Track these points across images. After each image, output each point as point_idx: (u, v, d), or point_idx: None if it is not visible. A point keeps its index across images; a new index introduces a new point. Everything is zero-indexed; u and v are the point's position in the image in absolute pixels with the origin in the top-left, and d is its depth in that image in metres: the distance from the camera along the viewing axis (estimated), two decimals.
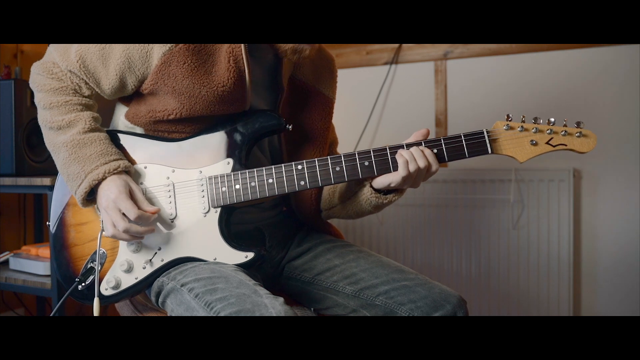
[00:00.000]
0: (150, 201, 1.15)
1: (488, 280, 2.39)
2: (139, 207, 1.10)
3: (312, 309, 1.28)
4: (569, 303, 2.24)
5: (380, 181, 1.15)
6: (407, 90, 2.62)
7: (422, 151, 1.11)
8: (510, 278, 2.35)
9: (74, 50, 1.15)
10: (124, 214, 1.09)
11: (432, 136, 1.14)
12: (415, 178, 1.11)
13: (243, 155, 1.16)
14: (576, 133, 1.08)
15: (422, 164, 1.10)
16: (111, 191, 1.09)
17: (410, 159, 1.10)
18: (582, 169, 2.29)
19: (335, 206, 1.30)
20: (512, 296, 2.35)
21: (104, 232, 1.12)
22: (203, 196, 1.15)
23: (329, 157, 1.13)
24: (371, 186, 1.18)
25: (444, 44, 2.52)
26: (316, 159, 1.13)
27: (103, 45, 1.14)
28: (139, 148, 1.19)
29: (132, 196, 1.11)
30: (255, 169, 1.14)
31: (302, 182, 1.13)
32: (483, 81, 2.47)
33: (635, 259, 2.21)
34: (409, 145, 1.12)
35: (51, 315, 1.23)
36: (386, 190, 1.18)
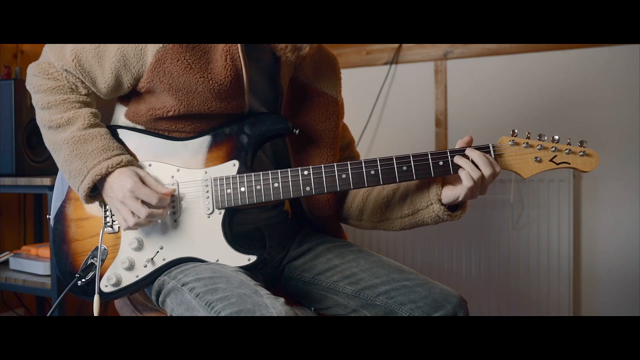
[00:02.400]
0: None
1: (488, 280, 2.39)
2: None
3: (313, 308, 1.28)
4: (569, 303, 2.24)
5: (448, 195, 1.14)
6: (407, 90, 2.62)
7: (487, 157, 1.09)
8: (510, 278, 2.35)
9: (70, 50, 1.15)
10: (142, 202, 1.09)
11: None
12: (481, 186, 1.10)
13: (249, 158, 1.16)
14: (580, 152, 1.09)
15: (487, 172, 1.08)
16: (125, 182, 1.10)
17: (472, 169, 1.08)
18: None
19: (387, 219, 1.27)
20: (512, 296, 2.35)
21: (122, 226, 1.12)
22: (207, 197, 1.15)
23: (335, 164, 1.13)
24: (441, 203, 1.16)
25: (444, 44, 2.52)
26: (322, 165, 1.13)
27: (98, 44, 1.14)
28: (144, 145, 1.19)
29: (143, 182, 1.12)
30: (261, 173, 1.14)
31: (308, 188, 1.13)
32: (483, 81, 2.47)
33: (635, 258, 2.21)
34: (415, 156, 1.11)
35: (51, 310, 1.23)
36: (453, 206, 1.17)
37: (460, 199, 1.13)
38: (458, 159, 1.10)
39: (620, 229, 2.24)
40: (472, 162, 1.09)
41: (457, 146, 1.13)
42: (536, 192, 2.31)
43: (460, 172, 1.10)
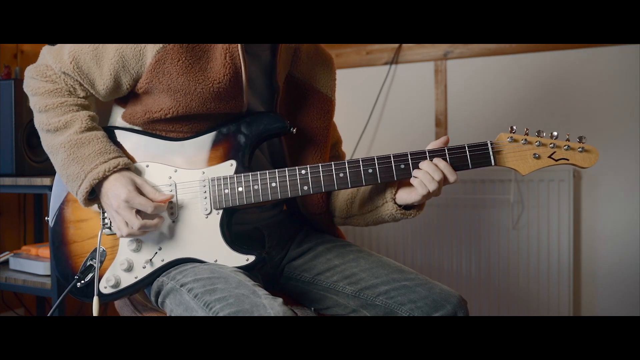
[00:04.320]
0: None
1: (488, 280, 2.39)
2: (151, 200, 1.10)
3: (312, 308, 1.28)
4: (569, 303, 2.24)
5: (403, 198, 1.16)
6: (407, 90, 2.62)
7: (436, 165, 1.10)
8: (510, 278, 2.35)
9: (67, 52, 1.14)
10: (137, 211, 1.08)
11: (431, 137, 1.14)
12: (435, 192, 1.12)
13: (246, 158, 1.16)
14: (578, 148, 1.08)
15: (437, 177, 1.09)
16: (120, 191, 1.09)
17: (427, 179, 1.09)
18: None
19: (353, 216, 1.29)
20: (512, 296, 2.35)
21: (117, 234, 1.12)
22: (205, 197, 1.15)
23: (332, 163, 1.13)
24: (395, 202, 1.18)
25: (444, 44, 2.52)
26: (320, 165, 1.13)
27: (96, 45, 1.13)
28: (141, 146, 1.19)
29: (139, 190, 1.11)
30: (258, 172, 1.14)
31: (306, 187, 1.13)
32: (483, 81, 2.47)
33: (635, 258, 2.21)
34: (413, 154, 1.12)
35: (51, 311, 1.23)
36: (408, 205, 1.19)
37: (416, 203, 1.15)
38: (415, 172, 1.11)
39: (620, 229, 2.24)
40: (427, 172, 1.10)
41: (430, 147, 1.13)
42: (536, 192, 2.31)
43: (413, 181, 1.11)
